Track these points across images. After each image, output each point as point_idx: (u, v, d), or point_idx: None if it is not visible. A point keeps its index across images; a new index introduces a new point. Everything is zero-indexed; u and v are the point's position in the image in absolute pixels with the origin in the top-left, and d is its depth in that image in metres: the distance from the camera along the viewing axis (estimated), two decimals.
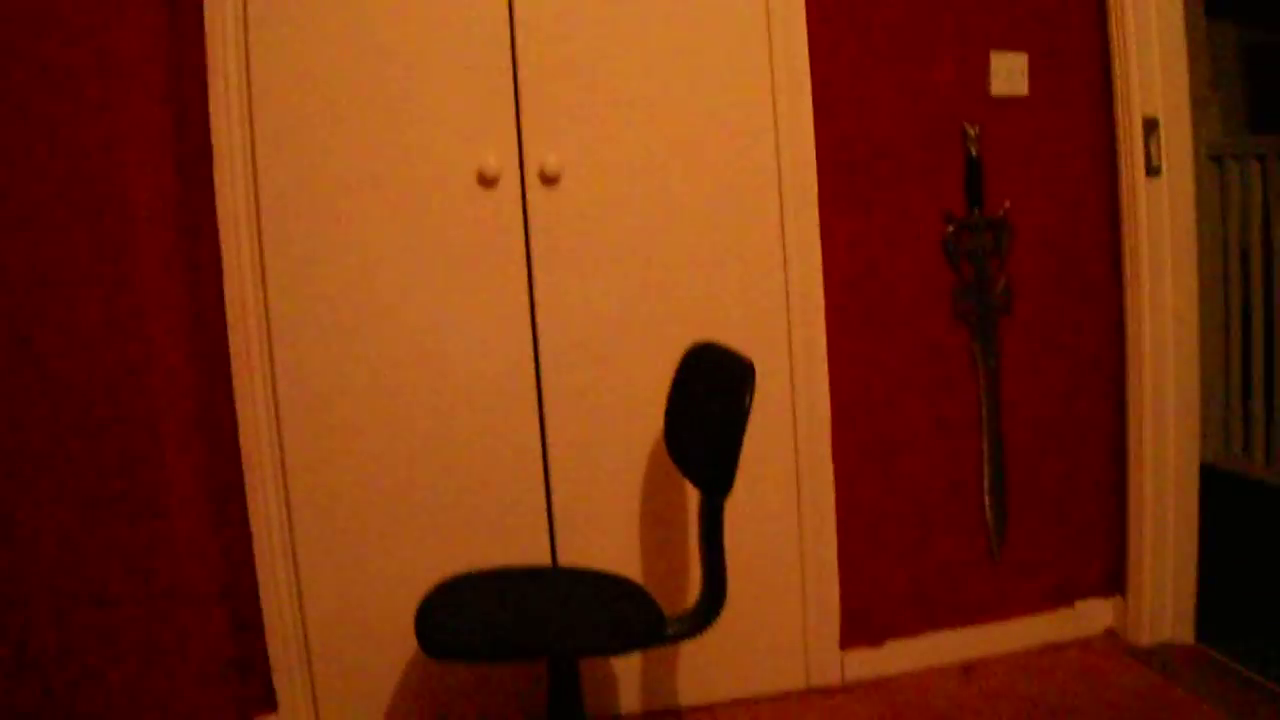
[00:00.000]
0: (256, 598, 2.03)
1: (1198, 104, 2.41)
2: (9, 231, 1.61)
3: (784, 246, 2.11)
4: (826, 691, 2.19)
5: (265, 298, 2.00)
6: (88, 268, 1.62)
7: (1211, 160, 3.17)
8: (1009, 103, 2.19)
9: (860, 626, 2.21)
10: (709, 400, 1.71)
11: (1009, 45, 2.18)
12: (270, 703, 2.07)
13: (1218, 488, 2.83)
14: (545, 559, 2.10)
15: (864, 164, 2.13)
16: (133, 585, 1.62)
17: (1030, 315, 2.23)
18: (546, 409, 2.07)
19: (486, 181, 2.03)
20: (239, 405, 1.97)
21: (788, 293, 2.12)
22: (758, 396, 2.11)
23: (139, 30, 1.79)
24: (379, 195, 2.00)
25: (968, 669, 2.24)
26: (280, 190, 1.98)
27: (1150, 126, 2.19)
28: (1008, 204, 2.20)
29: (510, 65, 2.02)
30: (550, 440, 2.08)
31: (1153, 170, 2.19)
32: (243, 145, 1.97)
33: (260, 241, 1.99)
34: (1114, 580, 2.32)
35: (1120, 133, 2.21)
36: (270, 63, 1.97)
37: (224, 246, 1.95)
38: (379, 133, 1.99)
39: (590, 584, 1.80)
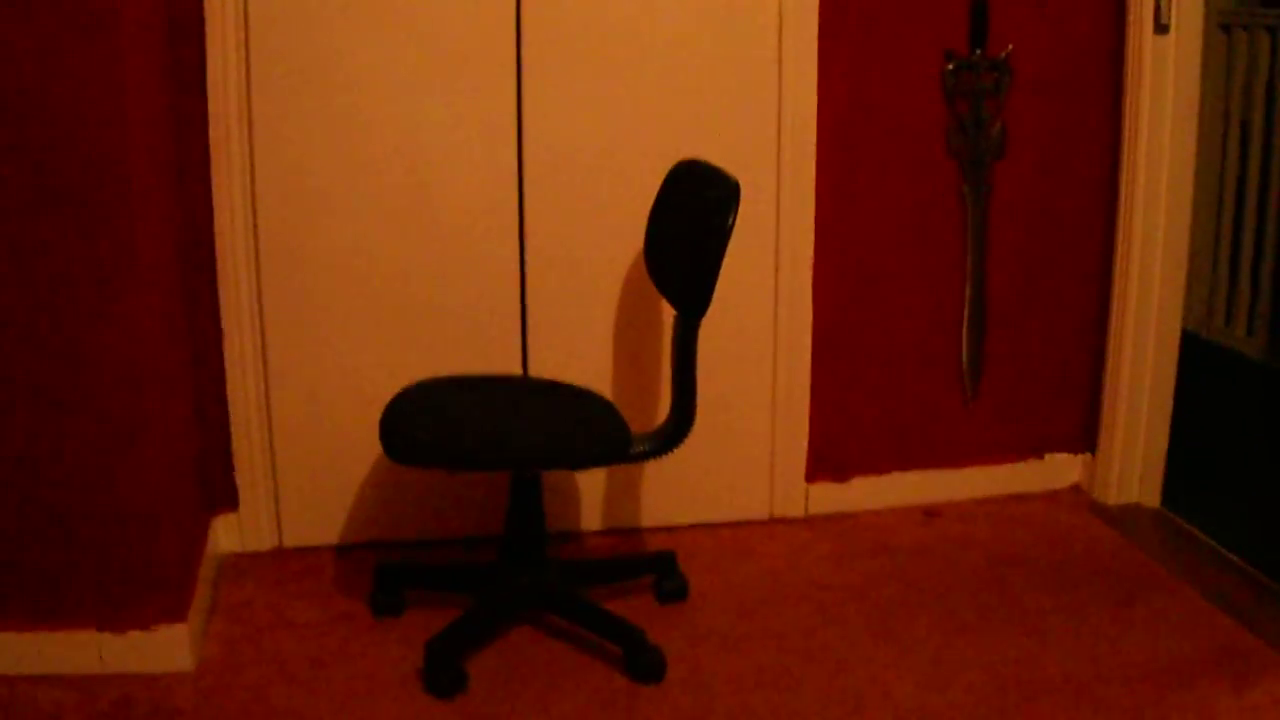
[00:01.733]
0: (223, 389, 2.01)
1: None
2: None
3: (780, 68, 2.08)
4: (789, 522, 2.19)
5: (248, 91, 1.93)
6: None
7: (1221, 29, 3.13)
8: None
9: (827, 461, 2.20)
10: (691, 218, 1.68)
11: None
12: (231, 501, 2.06)
13: (1197, 356, 2.83)
14: (517, 369, 2.08)
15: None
16: (98, 358, 1.58)
17: (1023, 161, 2.21)
18: (527, 220, 2.05)
19: None
20: (215, 182, 1.93)
21: (780, 115, 2.09)
22: (741, 218, 2.08)
23: None
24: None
25: (931, 512, 2.23)
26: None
27: None
28: (1010, 46, 2.16)
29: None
30: (529, 251, 2.05)
31: (1161, 28, 2.16)
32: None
33: (247, 31, 1.93)
34: (1085, 437, 2.32)
35: None
36: None
37: (209, 47, 1.90)
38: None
39: (559, 397, 1.78)
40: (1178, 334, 2.27)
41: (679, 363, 1.65)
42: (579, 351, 2.10)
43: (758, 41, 2.06)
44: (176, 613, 1.68)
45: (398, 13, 1.94)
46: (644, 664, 1.66)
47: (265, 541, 2.08)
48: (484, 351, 2.07)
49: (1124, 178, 2.22)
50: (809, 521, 2.19)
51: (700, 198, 1.68)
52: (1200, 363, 2.92)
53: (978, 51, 2.15)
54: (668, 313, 2.08)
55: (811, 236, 2.12)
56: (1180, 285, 2.26)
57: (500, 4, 1.97)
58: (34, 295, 1.56)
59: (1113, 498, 2.26)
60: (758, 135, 2.08)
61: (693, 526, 2.18)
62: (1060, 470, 2.32)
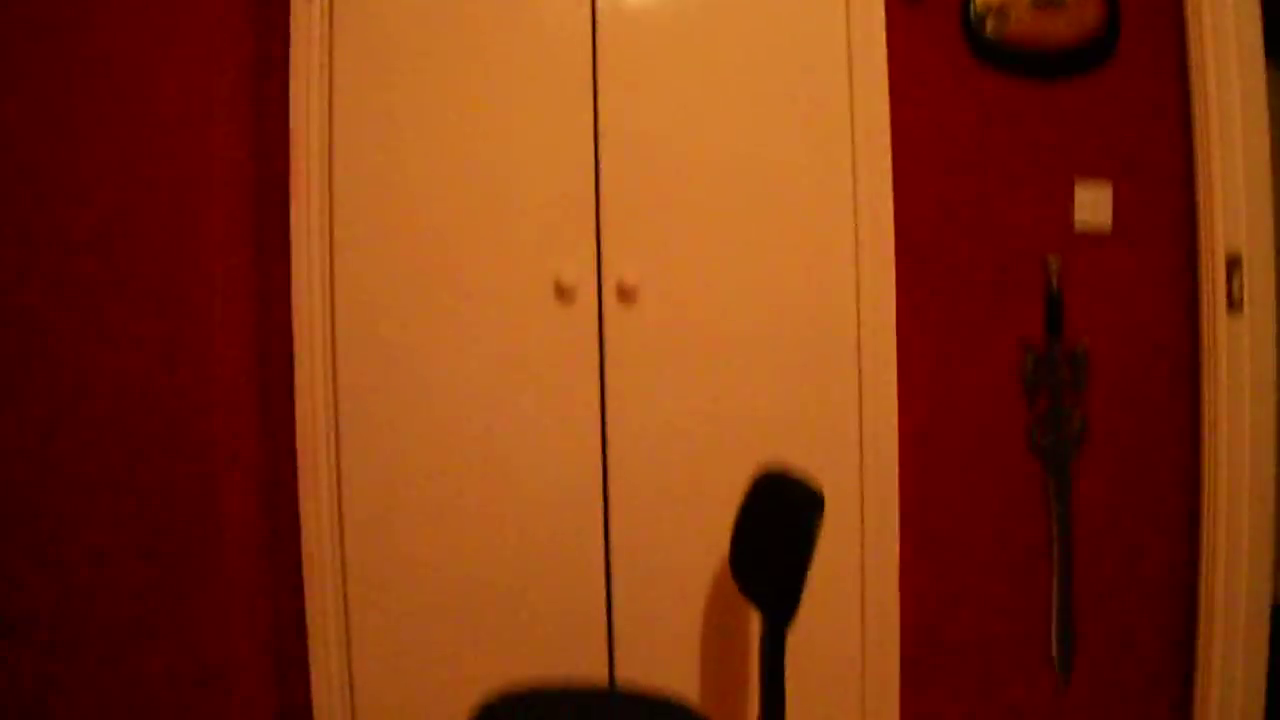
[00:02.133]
0: (308, 696, 1.97)
1: None
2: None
3: (860, 369, 2.07)
4: None
5: (335, 401, 1.95)
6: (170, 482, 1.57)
7: None
8: (1091, 235, 2.15)
9: None
10: (775, 528, 1.67)
11: (1093, 175, 2.14)
12: None
13: None
14: (603, 673, 2.05)
15: (944, 290, 2.09)
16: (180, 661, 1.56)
17: (1105, 450, 2.19)
18: (612, 524, 2.03)
19: (563, 293, 1.99)
20: (303, 501, 1.93)
21: (861, 416, 2.08)
22: (825, 520, 2.07)
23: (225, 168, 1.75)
24: (454, 302, 1.96)
25: None
26: (355, 287, 1.95)
27: (1233, 262, 2.15)
28: (1086, 338, 2.15)
29: (593, 177, 1.99)
30: (614, 556, 2.03)
31: (1234, 306, 2.15)
32: (321, 253, 1.94)
33: (333, 339, 1.95)
34: None
35: (1203, 267, 2.17)
36: (351, 167, 1.94)
37: (297, 352, 1.92)
38: (458, 240, 1.96)
39: (649, 711, 1.74)
40: (1268, 612, 2.24)
41: (767, 669, 1.62)
42: (665, 654, 2.06)
43: (838, 344, 2.05)
44: None
45: (485, 314, 1.94)
46: None
47: None
48: (570, 654, 2.04)
49: (1205, 459, 2.20)
50: None
51: (784, 504, 1.67)
52: None
53: (1054, 343, 2.14)
54: (754, 614, 2.04)
55: (896, 537, 2.09)
56: (1268, 563, 2.23)
57: (583, 315, 1.96)
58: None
59: None
60: (839, 435, 2.07)
61: None
62: None
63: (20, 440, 1.49)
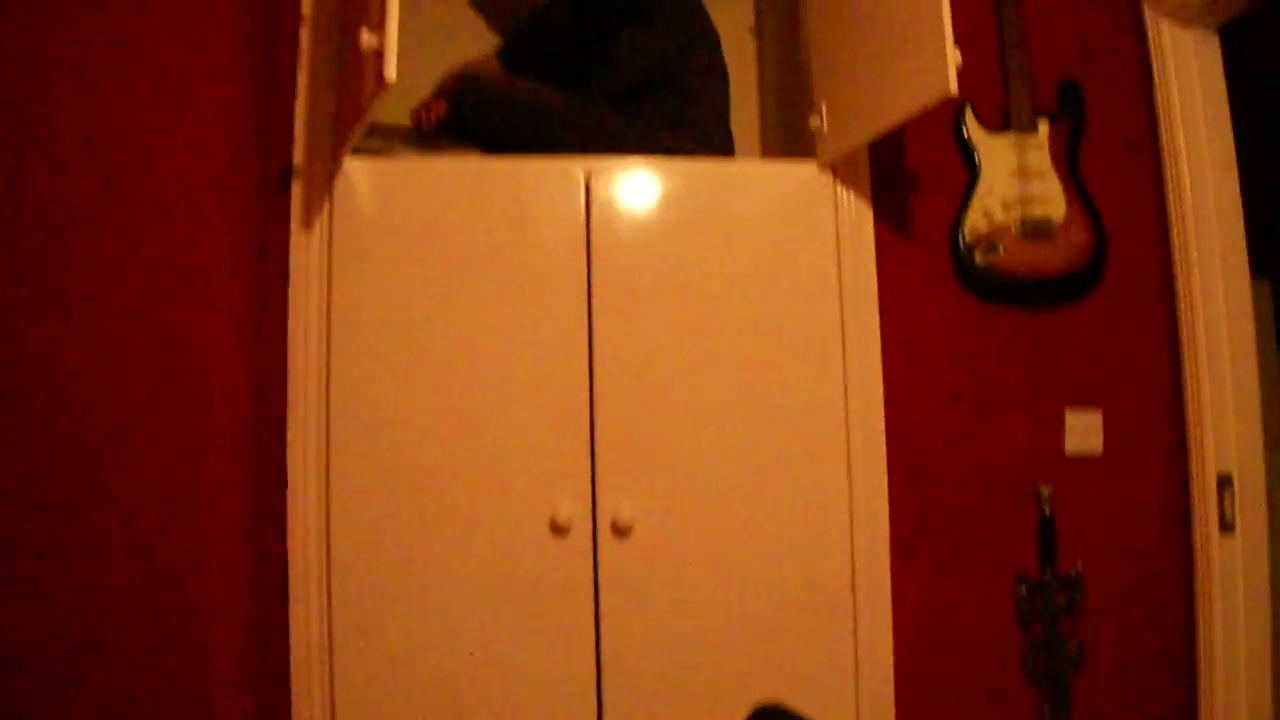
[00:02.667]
0: None
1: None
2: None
3: (854, 604, 2.06)
4: None
5: (330, 645, 1.93)
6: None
7: None
8: (1082, 461, 2.16)
9: None
10: None
11: (1083, 403, 2.16)
12: None
13: None
14: None
15: (936, 521, 2.10)
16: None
17: (1102, 674, 2.18)
18: None
19: (558, 529, 1.98)
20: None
21: (856, 650, 2.07)
22: None
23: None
24: (447, 535, 1.95)
25: None
26: (348, 519, 1.94)
27: (1224, 483, 2.16)
28: (1080, 564, 2.15)
29: (588, 412, 1.99)
30: None
31: (1226, 527, 2.16)
32: (317, 488, 1.94)
33: (329, 569, 1.94)
34: None
35: (1194, 489, 2.19)
36: (348, 396, 1.96)
37: (292, 589, 1.92)
38: (452, 474, 1.95)
39: None
40: None
41: None
42: None
43: (832, 576, 2.04)
44: None
45: (478, 548, 1.93)
46: None
47: None
48: None
49: (1202, 681, 2.19)
50: None
51: None
52: None
53: (1048, 571, 2.14)
54: None
55: None
56: None
57: (578, 549, 1.96)
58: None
59: None
60: (835, 672, 2.06)
61: None
62: None
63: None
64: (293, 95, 2.02)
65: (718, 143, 2.18)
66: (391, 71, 1.52)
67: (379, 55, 1.53)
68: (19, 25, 1.59)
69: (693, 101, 2.16)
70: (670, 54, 2.13)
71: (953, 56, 1.77)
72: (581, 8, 2.20)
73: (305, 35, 2.06)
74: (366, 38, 1.57)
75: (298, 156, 2.02)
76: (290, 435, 1.96)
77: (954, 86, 1.74)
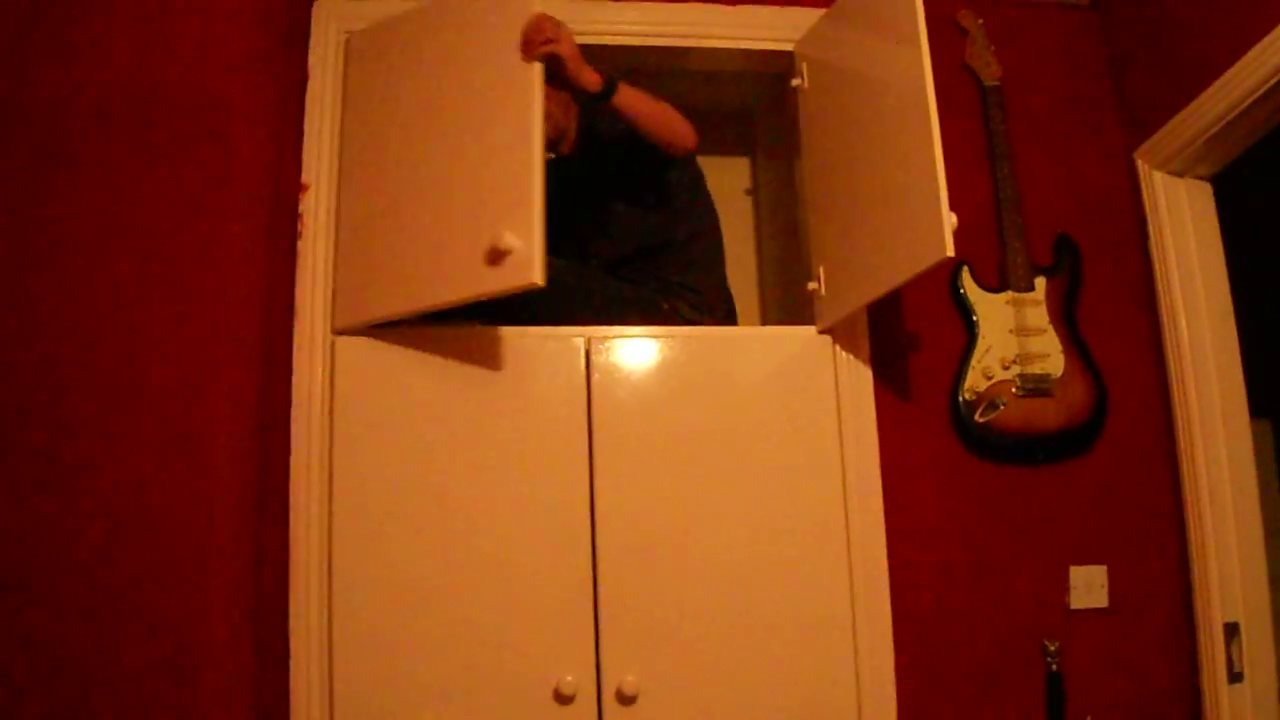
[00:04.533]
0: None
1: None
2: None
3: None
4: None
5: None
6: None
7: None
8: (1088, 615, 2.15)
9: None
10: None
11: (1088, 559, 2.15)
12: None
13: None
14: None
15: (944, 681, 2.09)
16: None
17: None
18: None
19: (562, 699, 1.97)
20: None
21: None
22: None
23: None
24: (450, 705, 1.93)
25: None
26: (351, 686, 1.94)
27: (1231, 631, 2.15)
28: (1089, 717, 2.14)
29: (591, 580, 1.98)
30: None
31: (1235, 677, 2.15)
32: (320, 656, 1.94)
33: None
34: None
35: (1201, 639, 2.17)
36: (349, 567, 1.96)
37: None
38: (455, 642, 1.95)
39: None
40: None
41: None
42: None
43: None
44: None
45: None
46: None
47: None
48: None
49: None
50: None
51: None
52: None
53: None
54: None
55: None
56: None
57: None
58: None
59: None
60: None
61: None
62: None
63: None
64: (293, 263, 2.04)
65: (714, 304, 2.19)
66: (539, 276, 1.77)
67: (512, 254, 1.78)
68: None
69: (689, 265, 2.17)
70: (666, 221, 2.15)
71: (948, 220, 1.79)
72: (579, 177, 2.22)
73: (309, 212, 2.07)
74: (509, 239, 1.77)
75: (299, 331, 2.03)
76: (293, 603, 1.95)
77: (951, 250, 1.77)
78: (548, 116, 1.94)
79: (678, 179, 2.13)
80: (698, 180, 2.20)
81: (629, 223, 2.16)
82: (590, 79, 1.91)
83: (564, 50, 1.86)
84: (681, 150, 2.04)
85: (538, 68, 1.87)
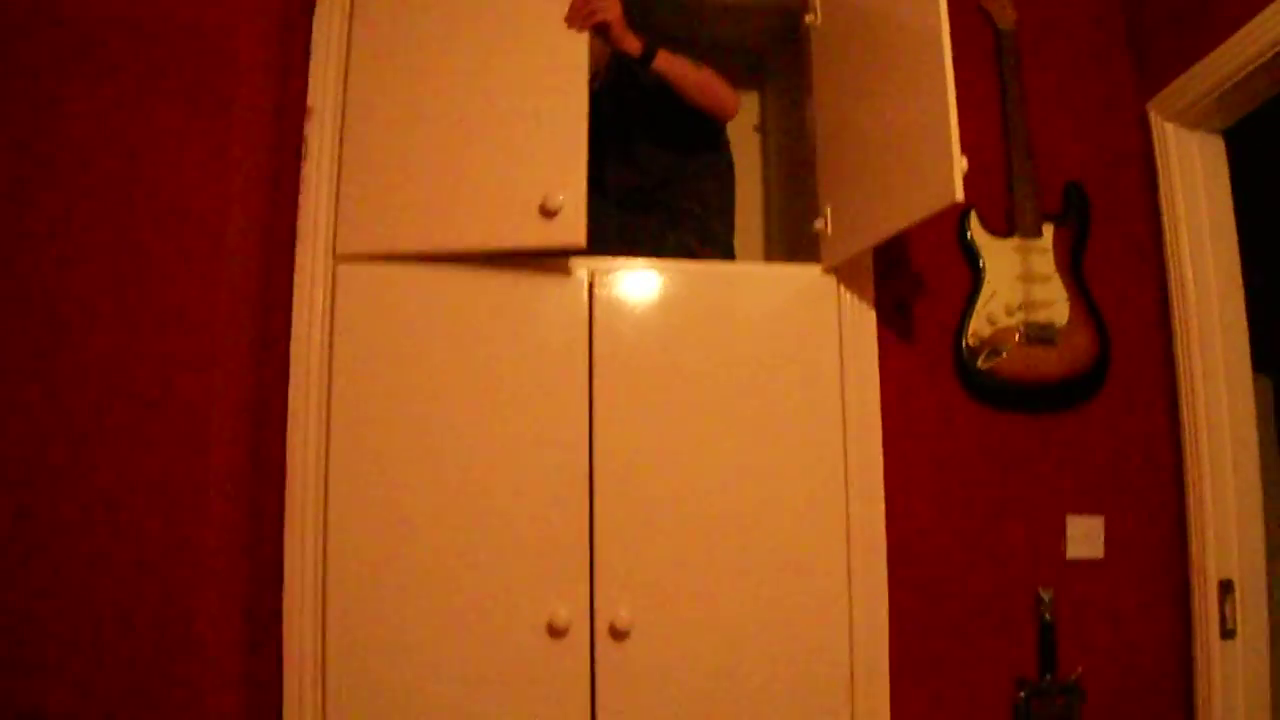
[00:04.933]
0: None
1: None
2: None
3: (853, 710, 2.05)
4: None
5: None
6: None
7: None
8: (1083, 565, 2.15)
9: None
10: None
11: (1085, 509, 2.15)
12: None
13: None
14: None
15: (936, 625, 2.09)
16: None
17: None
18: None
19: (556, 632, 1.97)
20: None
21: None
22: None
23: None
24: (443, 634, 1.94)
25: None
26: (343, 614, 1.94)
27: (1225, 588, 2.15)
28: (1080, 669, 2.14)
29: (587, 514, 1.98)
30: None
31: (1227, 633, 2.15)
32: (314, 577, 1.94)
33: (324, 665, 1.93)
34: None
35: (1195, 595, 2.18)
36: (345, 492, 1.96)
37: (286, 671, 1.92)
38: (449, 573, 1.95)
39: None
40: None
41: None
42: None
43: (831, 682, 2.03)
44: None
45: (475, 650, 1.91)
46: None
47: None
48: None
49: None
50: None
51: None
52: None
53: (1048, 676, 2.13)
54: None
55: None
56: None
57: (576, 652, 1.96)
58: None
59: None
60: None
61: None
62: None
63: None
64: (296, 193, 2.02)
65: (723, 240, 2.18)
66: (583, 238, 1.93)
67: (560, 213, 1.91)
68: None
69: (701, 198, 2.16)
70: (684, 156, 2.14)
71: (959, 164, 1.77)
72: (606, 109, 2.22)
73: (314, 136, 2.05)
74: (559, 198, 1.92)
75: (301, 255, 2.02)
76: (288, 523, 1.94)
77: (960, 194, 1.74)
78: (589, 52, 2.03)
79: (704, 118, 2.13)
80: (723, 129, 2.21)
81: (650, 154, 2.17)
82: (631, 44, 2.04)
83: (610, 17, 1.99)
84: (722, 117, 2.11)
85: (584, 37, 2.00)
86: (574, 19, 1.99)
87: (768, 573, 2.04)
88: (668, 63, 2.06)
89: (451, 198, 2.00)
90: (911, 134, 1.88)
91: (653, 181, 2.18)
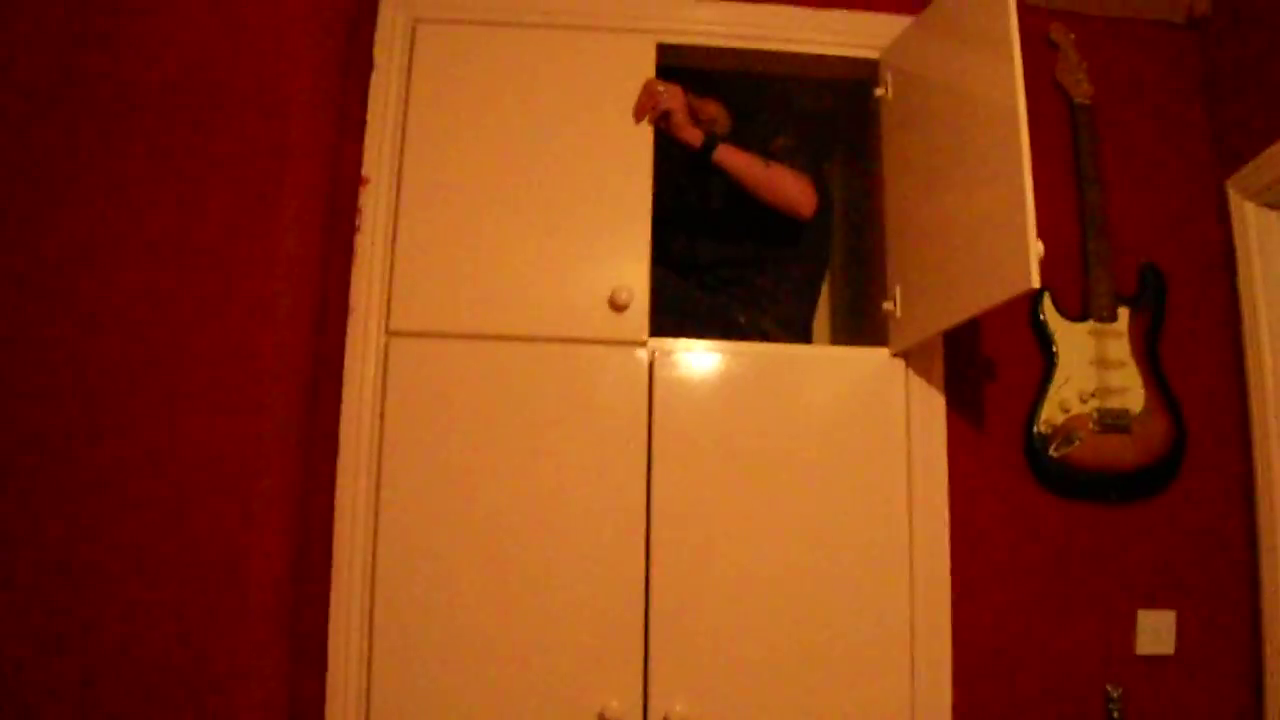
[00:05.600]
0: None
1: None
2: None
3: None
4: None
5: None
6: None
7: None
8: (1154, 661, 2.07)
9: None
10: None
11: (1157, 603, 2.07)
12: None
13: None
14: None
15: None
16: None
17: None
18: None
19: None
20: None
21: None
22: None
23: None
24: None
25: None
26: (389, 698, 1.88)
27: None
28: None
29: (643, 604, 1.93)
30: None
31: None
32: (359, 656, 1.87)
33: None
34: None
35: (1268, 691, 2.09)
36: (394, 569, 1.90)
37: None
38: (498, 662, 1.89)
39: None
40: None
41: None
42: None
43: None
44: None
45: None
46: None
47: None
48: None
49: None
50: None
51: None
52: None
53: None
54: None
55: None
56: None
57: None
58: None
59: None
60: None
61: None
62: None
63: None
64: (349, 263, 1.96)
65: (800, 323, 2.13)
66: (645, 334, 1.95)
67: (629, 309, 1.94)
68: None
69: (783, 282, 2.11)
70: (777, 235, 2.10)
71: (1035, 249, 1.70)
72: (695, 177, 2.21)
73: (368, 207, 2.00)
74: (625, 295, 1.94)
75: (353, 328, 1.96)
76: (333, 610, 1.89)
77: (1036, 281, 1.68)
78: (703, 115, 2.10)
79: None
80: (826, 208, 2.16)
81: (740, 229, 2.13)
82: (691, 135, 2.04)
83: (673, 105, 2.01)
84: (793, 215, 2.05)
85: (649, 130, 2.02)
86: (640, 111, 2.00)
87: (829, 667, 1.97)
88: (730, 156, 2.03)
89: (513, 281, 1.96)
90: (986, 215, 1.82)
91: (732, 259, 2.13)
